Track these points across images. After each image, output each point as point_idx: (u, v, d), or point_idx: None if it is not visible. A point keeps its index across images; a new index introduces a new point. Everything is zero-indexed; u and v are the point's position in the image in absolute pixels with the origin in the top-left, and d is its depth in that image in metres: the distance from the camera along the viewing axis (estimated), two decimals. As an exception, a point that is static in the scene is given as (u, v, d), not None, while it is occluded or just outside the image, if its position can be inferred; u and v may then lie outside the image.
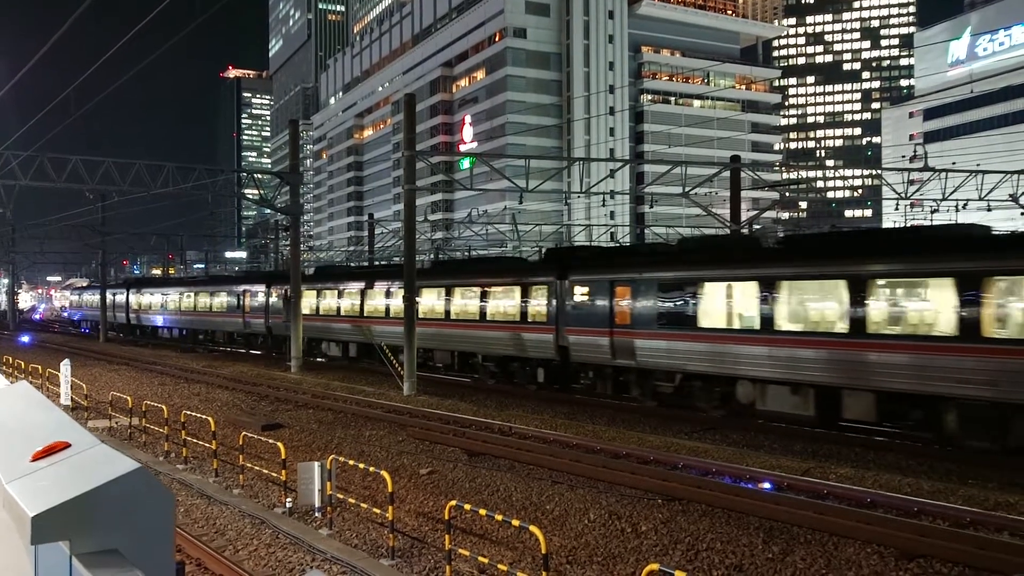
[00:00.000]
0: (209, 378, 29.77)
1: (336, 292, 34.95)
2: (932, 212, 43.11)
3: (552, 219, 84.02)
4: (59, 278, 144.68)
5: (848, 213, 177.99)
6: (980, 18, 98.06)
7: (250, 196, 40.10)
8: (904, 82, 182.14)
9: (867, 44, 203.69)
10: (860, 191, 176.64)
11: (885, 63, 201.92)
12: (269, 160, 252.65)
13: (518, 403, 23.07)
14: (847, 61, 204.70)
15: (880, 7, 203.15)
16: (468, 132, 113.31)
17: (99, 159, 29.31)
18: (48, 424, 2.82)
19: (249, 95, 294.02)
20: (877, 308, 15.94)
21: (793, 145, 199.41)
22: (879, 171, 77.01)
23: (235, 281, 46.30)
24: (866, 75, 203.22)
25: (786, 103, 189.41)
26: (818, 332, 16.86)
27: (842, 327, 16.31)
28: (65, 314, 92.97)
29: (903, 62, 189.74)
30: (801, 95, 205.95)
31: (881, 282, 16.06)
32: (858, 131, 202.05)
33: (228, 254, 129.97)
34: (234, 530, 11.40)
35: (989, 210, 35.55)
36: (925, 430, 15.69)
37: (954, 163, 47.33)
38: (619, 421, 19.70)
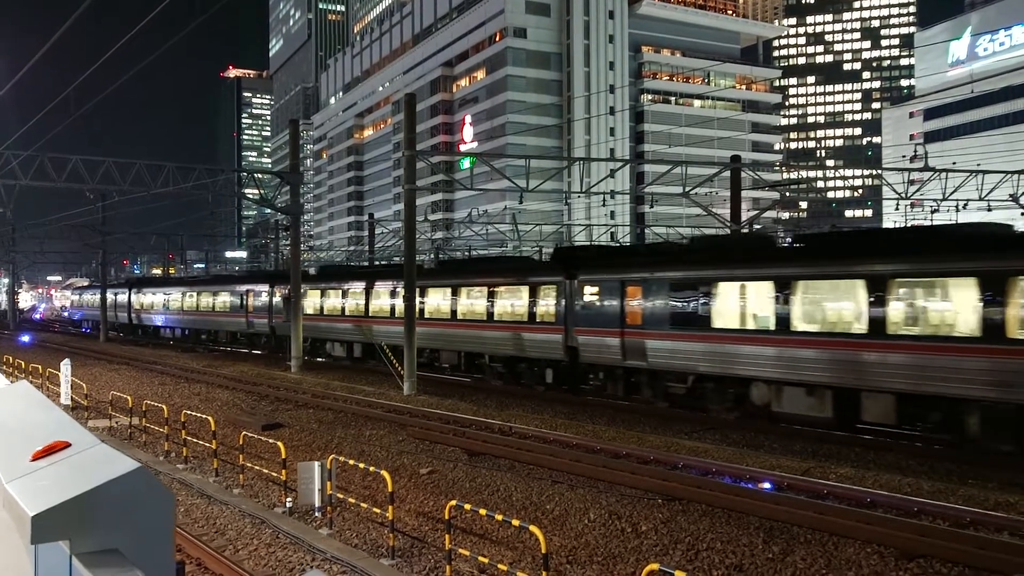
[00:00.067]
0: (209, 378, 29.76)
1: (340, 292, 34.74)
2: (932, 212, 43.13)
3: (552, 219, 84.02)
4: (59, 278, 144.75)
5: (848, 213, 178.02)
6: (980, 18, 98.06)
7: (250, 196, 40.21)
8: (904, 82, 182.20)
9: (867, 44, 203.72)
10: (860, 191, 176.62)
11: (885, 63, 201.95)
12: (269, 160, 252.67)
13: (518, 403, 23.06)
14: (847, 61, 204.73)
15: (880, 7, 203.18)
16: (468, 132, 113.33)
17: (99, 159, 29.34)
18: (48, 424, 2.82)
19: (249, 95, 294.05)
20: (897, 308, 15.68)
21: (793, 145, 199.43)
22: (879, 171, 76.97)
23: (238, 281, 46.23)
24: (866, 75, 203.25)
25: (786, 103, 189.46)
26: (836, 333, 16.59)
27: (861, 328, 16.06)
28: (65, 314, 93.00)
29: (903, 62, 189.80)
30: (801, 95, 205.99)
31: (902, 282, 15.72)
32: (858, 131, 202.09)
33: (228, 254, 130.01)
34: (234, 530, 11.41)
35: (989, 210, 35.54)
36: (945, 433, 15.40)
37: (954, 163, 47.32)
38: (619, 421, 19.69)
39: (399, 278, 30.41)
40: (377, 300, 32.39)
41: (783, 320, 17.45)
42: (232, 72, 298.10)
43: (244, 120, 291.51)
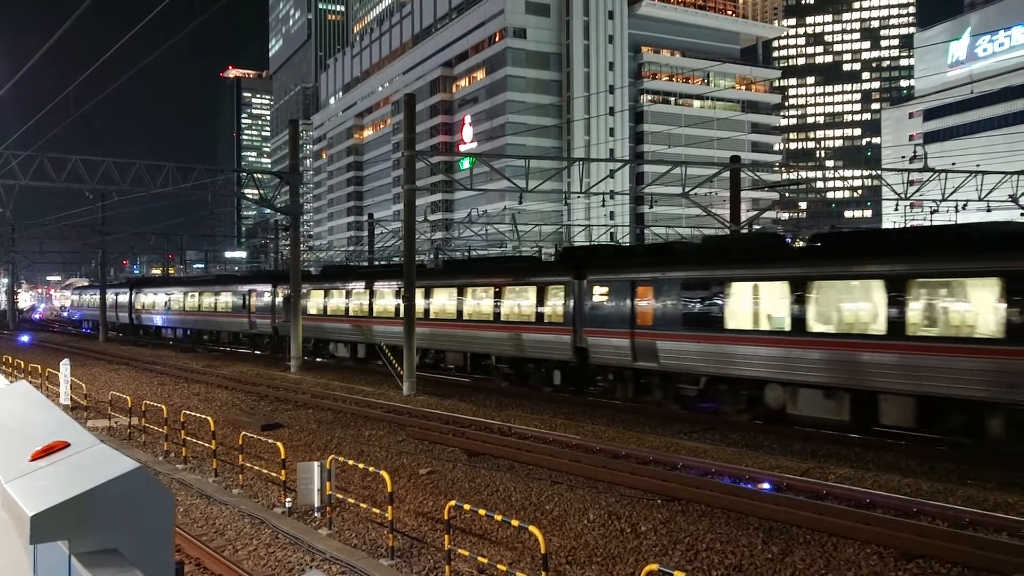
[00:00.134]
0: (209, 378, 29.76)
1: (343, 292, 34.53)
2: (932, 213, 43.16)
3: (552, 219, 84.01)
4: (59, 278, 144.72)
5: (848, 214, 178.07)
6: (980, 19, 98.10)
7: (250, 196, 40.12)
8: (904, 83, 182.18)
9: (867, 45, 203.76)
10: (860, 191, 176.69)
11: (885, 64, 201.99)
12: (269, 160, 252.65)
13: (517, 403, 23.05)
14: (847, 62, 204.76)
15: (880, 7, 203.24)
16: (468, 132, 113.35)
17: (99, 159, 29.34)
18: (47, 424, 2.82)
19: (249, 95, 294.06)
20: (918, 309, 15.41)
21: (793, 145, 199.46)
22: (879, 172, 77.03)
23: (241, 281, 46.07)
24: (866, 75, 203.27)
25: (786, 103, 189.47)
26: (854, 334, 16.32)
27: (881, 329, 15.80)
28: (65, 314, 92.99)
29: (903, 63, 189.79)
30: (801, 95, 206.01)
31: (923, 282, 15.42)
32: (858, 131, 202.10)
33: (228, 254, 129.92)
34: (233, 530, 11.41)
35: (989, 211, 35.59)
36: (966, 436, 15.15)
37: (954, 164, 47.33)
38: (618, 421, 19.68)
39: (402, 278, 30.33)
40: (380, 300, 32.21)
41: (799, 321, 17.13)
42: (232, 72, 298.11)
43: (244, 120, 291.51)
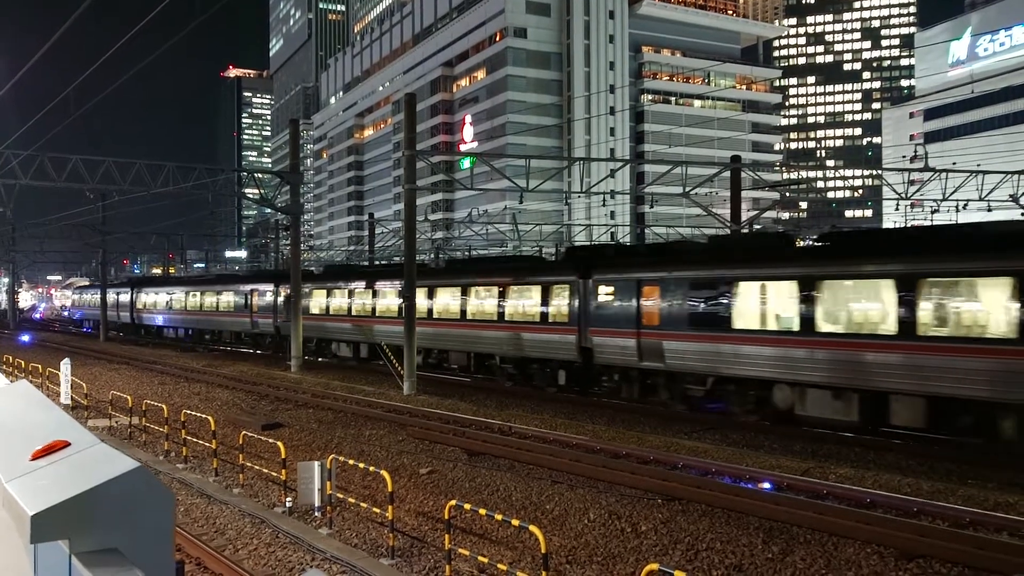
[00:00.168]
0: (209, 377, 29.77)
1: (346, 291, 34.39)
2: (932, 212, 43.16)
3: (552, 219, 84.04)
4: (59, 277, 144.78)
5: (848, 213, 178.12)
6: (981, 18, 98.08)
7: (250, 196, 40.23)
8: (905, 82, 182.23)
9: (868, 44, 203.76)
10: (860, 191, 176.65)
11: (886, 63, 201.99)
12: (269, 160, 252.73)
13: (518, 403, 23.04)
14: (848, 61, 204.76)
15: (881, 7, 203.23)
16: (468, 132, 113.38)
17: (99, 158, 29.35)
18: (48, 423, 2.82)
19: (249, 95, 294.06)
20: (930, 309, 15.20)
21: (793, 145, 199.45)
22: (879, 171, 77.01)
23: (243, 280, 45.95)
24: (867, 75, 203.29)
25: (786, 103, 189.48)
26: (863, 334, 16.15)
27: (892, 329, 15.60)
28: (66, 313, 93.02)
29: (904, 62, 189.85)
30: (801, 95, 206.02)
31: (935, 281, 15.22)
32: (858, 131, 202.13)
33: (228, 253, 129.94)
34: (234, 529, 11.41)
35: (990, 210, 35.59)
36: (977, 436, 15.03)
37: (954, 163, 47.37)
38: (619, 421, 19.67)
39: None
40: (383, 300, 32.09)
41: (808, 321, 16.94)
42: (232, 72, 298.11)
43: (244, 120, 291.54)
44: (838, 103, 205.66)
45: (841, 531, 10.23)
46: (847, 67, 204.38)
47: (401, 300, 30.63)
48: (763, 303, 18.30)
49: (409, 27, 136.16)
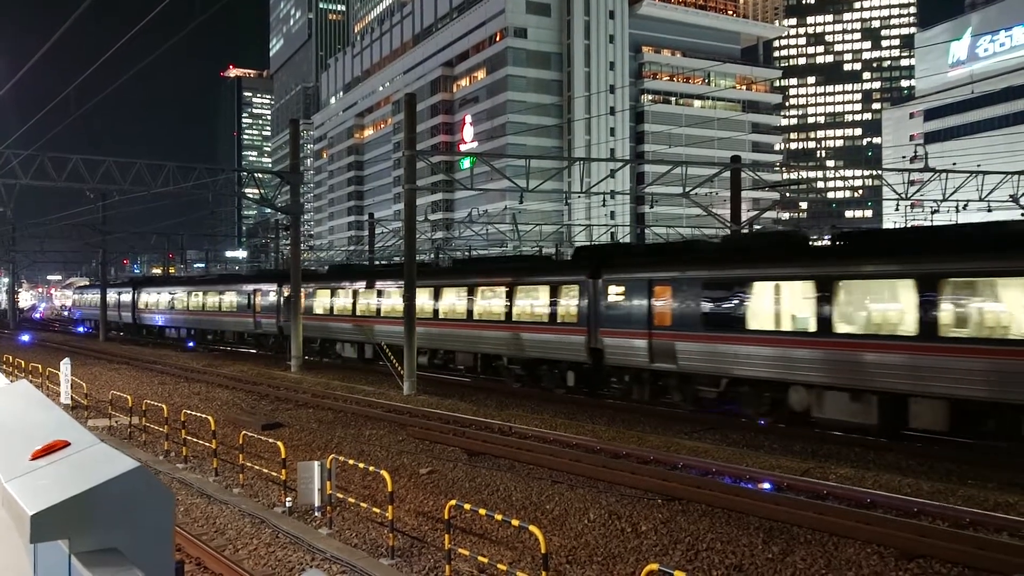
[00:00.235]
0: (209, 377, 29.76)
1: (349, 291, 34.24)
2: (932, 213, 43.17)
3: (552, 219, 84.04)
4: (59, 277, 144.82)
5: (848, 214, 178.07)
6: (981, 19, 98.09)
7: (250, 195, 40.23)
8: (905, 83, 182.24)
9: (868, 45, 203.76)
10: (860, 192, 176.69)
11: (886, 64, 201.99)
12: (269, 159, 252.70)
13: (518, 403, 23.05)
14: (848, 62, 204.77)
15: (881, 7, 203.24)
16: (468, 132, 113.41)
17: (100, 158, 29.35)
18: (48, 423, 2.82)
19: (250, 94, 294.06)
20: (952, 309, 14.88)
21: (793, 145, 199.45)
22: (880, 172, 77.02)
23: (245, 280, 45.81)
24: (867, 76, 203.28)
25: (787, 103, 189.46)
26: (883, 335, 15.79)
27: (912, 330, 15.26)
28: (66, 313, 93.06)
29: (904, 63, 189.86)
30: (802, 95, 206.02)
31: (958, 281, 14.88)
32: (858, 132, 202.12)
33: (228, 253, 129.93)
34: (234, 529, 11.41)
35: (990, 211, 35.59)
36: (1000, 440, 14.81)
37: (955, 164, 47.33)
38: (619, 421, 19.67)
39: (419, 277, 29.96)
40: (386, 300, 31.92)
41: (826, 321, 16.65)
42: (232, 72, 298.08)
43: (244, 120, 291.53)
44: (838, 103, 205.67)
45: (841, 531, 10.23)
46: (847, 67, 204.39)
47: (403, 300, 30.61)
48: (779, 303, 18.01)
49: (409, 27, 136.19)
